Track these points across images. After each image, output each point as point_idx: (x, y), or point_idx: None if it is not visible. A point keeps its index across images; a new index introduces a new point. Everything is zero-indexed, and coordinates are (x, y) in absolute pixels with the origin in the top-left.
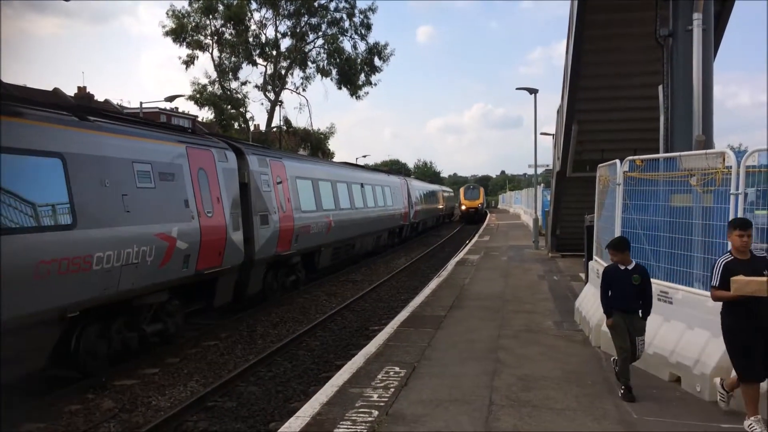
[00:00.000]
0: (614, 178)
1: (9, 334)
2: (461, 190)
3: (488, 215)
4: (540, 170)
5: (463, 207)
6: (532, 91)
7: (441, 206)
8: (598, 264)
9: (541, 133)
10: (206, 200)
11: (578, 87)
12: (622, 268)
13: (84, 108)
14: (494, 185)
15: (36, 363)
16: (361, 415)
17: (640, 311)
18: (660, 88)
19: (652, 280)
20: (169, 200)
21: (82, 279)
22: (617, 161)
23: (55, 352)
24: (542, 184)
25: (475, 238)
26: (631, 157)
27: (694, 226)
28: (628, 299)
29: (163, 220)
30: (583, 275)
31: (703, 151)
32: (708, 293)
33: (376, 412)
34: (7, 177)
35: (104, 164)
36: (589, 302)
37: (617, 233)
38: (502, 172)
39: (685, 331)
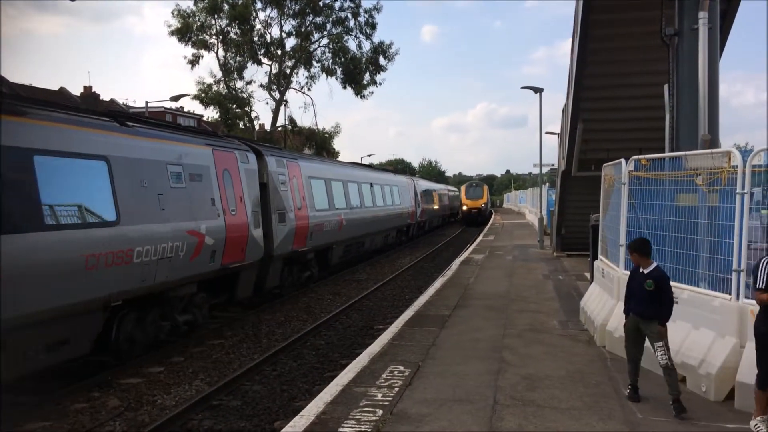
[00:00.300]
0: (619, 178)
1: (61, 320)
2: (462, 188)
3: (493, 215)
4: (545, 169)
5: (465, 207)
6: (537, 91)
7: (447, 205)
8: (604, 263)
9: (546, 132)
10: (230, 199)
11: (583, 86)
12: (640, 270)
13: (123, 114)
14: (499, 184)
15: (83, 348)
16: (366, 414)
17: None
18: (665, 87)
19: None
20: (198, 199)
21: (124, 271)
22: (622, 160)
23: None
24: (547, 184)
25: (480, 238)
26: (636, 157)
27: (699, 226)
28: (641, 303)
29: (193, 218)
30: (588, 275)
31: (709, 151)
32: (714, 293)
33: (380, 412)
34: (62, 178)
35: (142, 166)
36: (595, 302)
37: (622, 233)
38: (507, 171)
39: (691, 330)
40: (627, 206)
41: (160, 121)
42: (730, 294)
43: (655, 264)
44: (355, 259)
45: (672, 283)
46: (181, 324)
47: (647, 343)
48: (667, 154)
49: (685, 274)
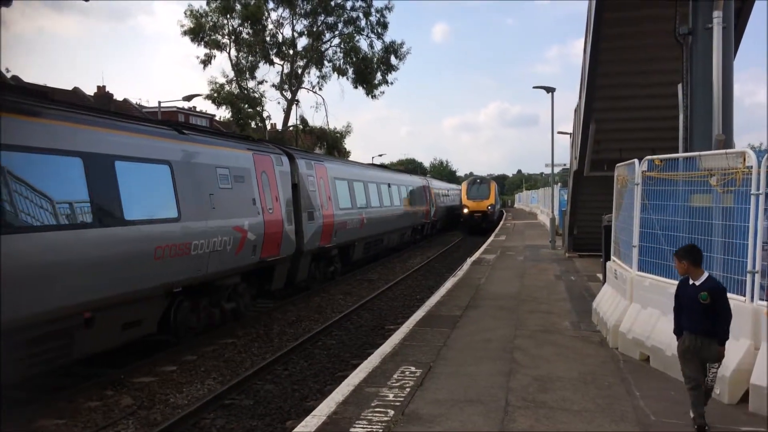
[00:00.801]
0: (633, 178)
1: (135, 303)
2: (463, 186)
3: (504, 216)
4: (557, 169)
5: (466, 210)
6: (549, 90)
7: (459, 205)
8: (616, 264)
9: (558, 132)
10: (268, 199)
11: (596, 86)
12: (690, 282)
13: (180, 123)
14: (510, 184)
15: (150, 328)
16: (377, 414)
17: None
18: (679, 86)
19: (669, 281)
20: (241, 199)
21: (183, 261)
22: (636, 161)
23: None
24: (559, 183)
25: (491, 238)
26: (649, 157)
27: (714, 227)
28: (695, 320)
29: (237, 216)
30: (600, 276)
31: (723, 151)
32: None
33: (392, 412)
34: (137, 180)
35: (197, 169)
36: (607, 303)
37: (635, 233)
38: (519, 171)
39: None
40: (640, 207)
41: (208, 129)
42: (744, 296)
43: (707, 273)
44: (374, 256)
45: None
46: (227, 311)
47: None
48: (681, 154)
49: None
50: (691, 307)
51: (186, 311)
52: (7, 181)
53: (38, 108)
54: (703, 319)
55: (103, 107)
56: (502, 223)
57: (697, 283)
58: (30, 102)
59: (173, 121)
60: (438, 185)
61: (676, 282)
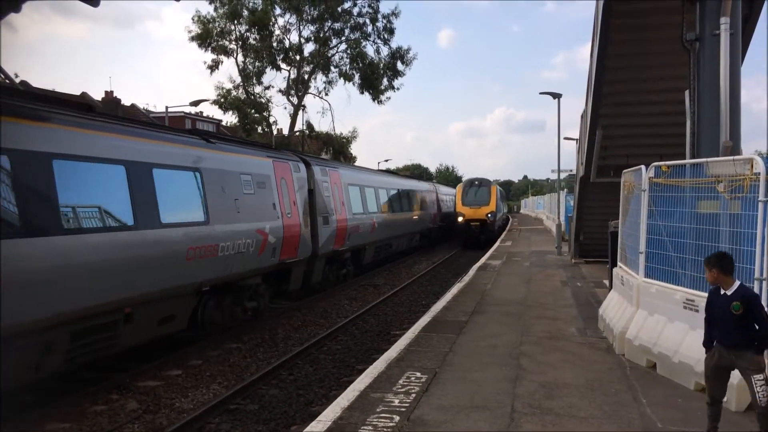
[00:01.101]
0: (639, 184)
1: (170, 300)
2: (458, 189)
3: (509, 222)
4: (563, 175)
5: (461, 218)
6: (556, 96)
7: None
8: (623, 271)
9: (565, 138)
10: (286, 203)
11: (603, 92)
12: (722, 292)
13: (208, 133)
14: (516, 190)
15: (182, 324)
16: (383, 420)
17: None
18: (686, 93)
19: (676, 287)
20: (263, 203)
21: (212, 262)
22: (642, 167)
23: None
24: (565, 189)
25: (497, 243)
26: (656, 163)
27: (721, 234)
28: (727, 331)
29: (259, 219)
30: (607, 282)
31: (731, 158)
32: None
33: (397, 418)
34: (171, 186)
35: (223, 176)
36: (614, 309)
37: (642, 240)
38: (525, 177)
39: None
40: (647, 213)
41: (232, 137)
42: None
43: (738, 282)
44: (383, 260)
45: (693, 291)
46: (249, 309)
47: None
48: (689, 160)
49: (705, 282)
50: (723, 319)
51: (212, 309)
52: (63, 186)
53: (89, 121)
54: (736, 330)
55: (112, 112)
56: (508, 228)
57: (729, 292)
58: (84, 116)
59: (202, 131)
60: (445, 191)
61: (684, 288)
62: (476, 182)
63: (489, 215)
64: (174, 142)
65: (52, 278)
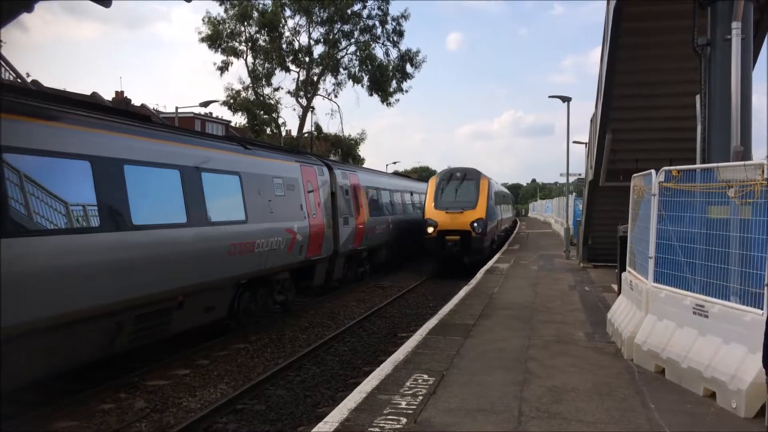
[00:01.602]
0: (649, 189)
1: (213, 291)
2: (430, 184)
3: (518, 225)
4: (572, 179)
5: (431, 229)
6: (565, 99)
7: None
8: (632, 275)
9: (574, 142)
10: (312, 204)
11: (613, 95)
12: None
13: (245, 139)
14: (525, 193)
15: (222, 312)
16: (390, 422)
17: None
18: (697, 97)
19: (686, 292)
20: (292, 204)
21: (249, 257)
22: (653, 171)
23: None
24: (574, 193)
25: (505, 247)
26: (667, 168)
27: (731, 239)
28: None
29: (289, 219)
30: (615, 286)
31: (742, 163)
32: (745, 307)
33: (404, 420)
34: (217, 188)
35: (259, 179)
36: (622, 314)
37: (652, 245)
38: (533, 180)
39: (721, 345)
40: (657, 218)
41: (265, 143)
42: (762, 309)
43: None
44: (396, 259)
45: (703, 297)
46: (278, 302)
47: None
48: (699, 165)
49: (715, 287)
50: None
51: (247, 300)
52: (132, 188)
53: (150, 130)
54: None
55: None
56: (515, 232)
57: None
58: (145, 125)
59: (239, 137)
60: None
61: (693, 294)
62: (458, 174)
63: (476, 225)
64: (218, 149)
65: (126, 267)
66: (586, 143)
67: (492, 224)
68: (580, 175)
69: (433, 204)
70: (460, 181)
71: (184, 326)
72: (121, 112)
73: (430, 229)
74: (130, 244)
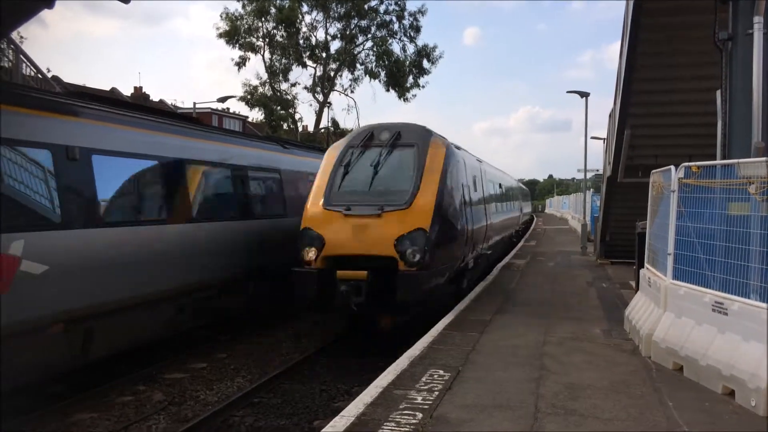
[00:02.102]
0: (668, 185)
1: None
2: (327, 156)
3: (535, 221)
4: (589, 174)
5: (310, 253)
6: (583, 95)
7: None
8: (650, 272)
9: (592, 137)
10: None
11: (632, 91)
12: None
13: (282, 139)
14: (542, 189)
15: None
16: (406, 416)
17: None
18: (718, 92)
19: (705, 290)
20: None
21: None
22: (672, 167)
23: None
24: (591, 189)
25: (521, 243)
26: (686, 164)
27: (752, 236)
28: None
29: None
30: (633, 283)
31: (763, 159)
32: (765, 305)
33: (420, 415)
34: (261, 184)
35: (296, 176)
36: (640, 311)
37: (671, 241)
38: (550, 176)
39: (741, 343)
40: (676, 214)
41: (299, 143)
42: None
43: None
44: None
45: (723, 294)
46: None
47: None
48: (719, 161)
49: (735, 285)
50: None
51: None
52: (195, 183)
53: (203, 132)
54: None
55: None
56: (532, 228)
57: None
58: (197, 128)
59: (278, 137)
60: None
61: (713, 291)
62: (382, 135)
63: (408, 243)
64: (262, 149)
65: (190, 255)
66: (604, 139)
67: (451, 243)
68: (597, 170)
69: (321, 197)
70: (387, 150)
71: (228, 312)
72: (187, 119)
73: (309, 254)
74: (191, 235)
